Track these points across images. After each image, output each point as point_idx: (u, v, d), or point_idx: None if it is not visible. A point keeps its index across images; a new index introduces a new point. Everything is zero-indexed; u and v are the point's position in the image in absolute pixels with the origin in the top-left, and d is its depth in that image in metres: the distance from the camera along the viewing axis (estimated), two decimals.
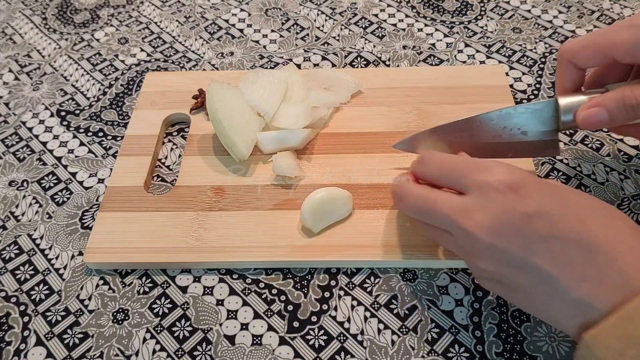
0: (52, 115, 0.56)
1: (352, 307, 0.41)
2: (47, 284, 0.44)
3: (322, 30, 0.63)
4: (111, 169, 0.51)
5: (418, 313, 0.41)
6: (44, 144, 0.54)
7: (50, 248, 0.46)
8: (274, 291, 0.42)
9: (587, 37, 0.39)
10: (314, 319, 0.41)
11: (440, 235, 0.37)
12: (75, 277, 0.44)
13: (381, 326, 0.40)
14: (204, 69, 0.59)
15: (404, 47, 0.60)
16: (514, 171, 0.34)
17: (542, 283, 0.32)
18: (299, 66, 0.59)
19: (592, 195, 0.35)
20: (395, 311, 0.41)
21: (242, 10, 0.66)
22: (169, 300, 0.42)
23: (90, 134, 0.54)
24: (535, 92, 0.55)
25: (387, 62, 0.59)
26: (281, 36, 0.63)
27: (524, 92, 0.55)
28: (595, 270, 0.30)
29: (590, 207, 0.33)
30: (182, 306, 0.42)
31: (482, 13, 0.63)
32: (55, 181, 0.50)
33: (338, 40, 0.62)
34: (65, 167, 0.52)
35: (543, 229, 0.31)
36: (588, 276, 0.30)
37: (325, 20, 0.64)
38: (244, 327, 0.41)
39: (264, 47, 0.62)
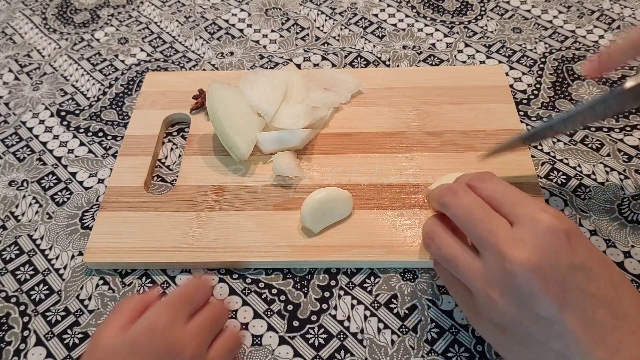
0: (52, 115, 0.56)
1: (352, 306, 0.41)
2: (47, 284, 0.44)
3: (322, 30, 0.63)
4: (111, 169, 0.51)
5: (418, 313, 0.41)
6: (44, 144, 0.54)
7: (50, 248, 0.46)
8: (274, 291, 0.42)
9: None
10: (313, 318, 0.41)
11: (460, 255, 0.34)
12: (75, 277, 0.44)
13: (381, 325, 0.40)
14: (204, 69, 0.59)
15: (404, 47, 0.60)
16: (568, 219, 0.32)
17: (560, 340, 0.30)
18: (299, 66, 0.59)
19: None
20: (395, 311, 0.41)
21: (242, 10, 0.66)
22: None
23: (90, 134, 0.54)
24: (535, 92, 0.55)
25: (387, 62, 0.59)
26: (281, 36, 0.63)
27: (524, 92, 0.55)
28: (617, 338, 0.29)
29: (623, 278, 0.32)
30: None
31: (482, 13, 0.63)
32: (55, 181, 0.51)
33: (338, 40, 0.62)
34: (65, 167, 0.52)
35: (583, 283, 0.30)
36: (608, 342, 0.29)
37: (325, 20, 0.64)
38: (244, 327, 0.41)
39: (264, 47, 0.62)
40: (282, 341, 0.40)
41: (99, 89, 0.58)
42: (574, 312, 0.30)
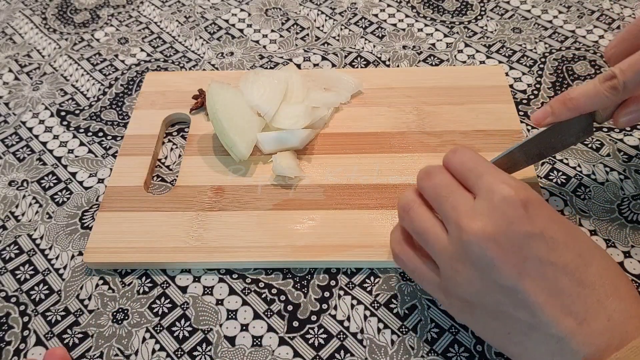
0: (52, 115, 0.56)
1: (352, 306, 0.41)
2: (47, 284, 0.44)
3: (322, 30, 0.63)
4: (111, 169, 0.51)
5: (418, 313, 0.41)
6: (44, 144, 0.54)
7: (50, 248, 0.46)
8: (274, 291, 0.42)
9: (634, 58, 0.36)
10: (313, 318, 0.41)
11: (429, 228, 0.34)
12: (75, 277, 0.44)
13: (381, 325, 0.40)
14: (204, 69, 0.59)
15: (404, 47, 0.60)
16: (528, 189, 0.32)
17: (526, 309, 0.30)
18: (299, 66, 0.59)
19: (590, 237, 0.34)
20: (395, 311, 0.41)
21: (242, 10, 0.66)
22: (168, 300, 0.42)
23: (90, 134, 0.54)
24: (535, 92, 0.55)
25: (387, 62, 0.59)
26: (281, 36, 0.63)
27: (524, 92, 0.55)
28: (583, 306, 0.29)
29: (592, 247, 0.32)
30: (182, 306, 0.42)
31: (482, 13, 0.63)
32: (55, 181, 0.51)
33: (338, 40, 0.62)
34: (65, 167, 0.52)
35: (542, 251, 0.30)
36: (574, 311, 0.29)
37: (325, 20, 0.64)
38: (244, 327, 0.41)
39: (264, 47, 0.62)
40: (282, 342, 0.40)
41: (99, 89, 0.58)
42: (535, 280, 0.30)
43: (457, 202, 0.33)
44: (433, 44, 0.60)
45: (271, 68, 0.59)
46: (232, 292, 0.43)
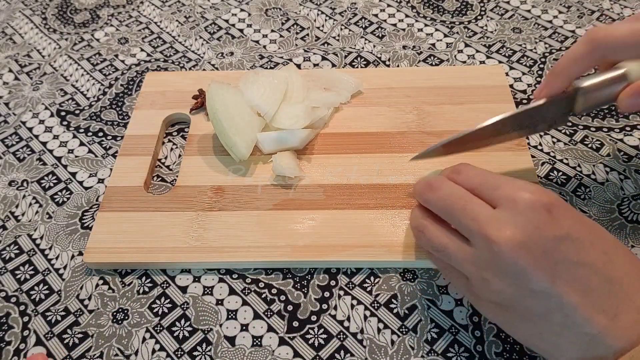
0: (52, 115, 0.56)
1: (352, 306, 0.41)
2: (47, 284, 0.44)
3: (322, 30, 0.63)
4: (111, 169, 0.51)
5: (418, 313, 0.41)
6: (44, 144, 0.54)
7: (50, 248, 0.46)
8: (274, 291, 0.42)
9: (632, 24, 0.36)
10: (313, 318, 0.41)
11: (449, 243, 0.35)
12: (75, 277, 0.44)
13: (381, 325, 0.40)
14: (204, 69, 0.59)
15: (404, 47, 0.60)
16: (548, 192, 0.33)
17: (559, 311, 0.30)
18: (299, 66, 0.59)
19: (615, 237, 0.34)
20: (395, 311, 0.41)
21: (242, 10, 0.66)
22: (168, 300, 0.42)
23: (90, 134, 0.54)
24: None
25: (387, 62, 0.59)
26: (281, 36, 0.63)
27: (524, 92, 0.55)
28: (614, 303, 0.30)
29: (615, 243, 0.32)
30: (182, 306, 0.42)
31: (482, 13, 0.63)
32: (55, 181, 0.51)
33: (338, 40, 0.62)
34: (65, 167, 0.52)
35: (571, 253, 0.30)
36: (605, 308, 0.30)
37: (325, 20, 0.64)
38: (244, 327, 0.41)
39: (264, 47, 0.62)
40: (282, 342, 0.40)
41: (99, 89, 0.58)
42: (568, 282, 0.30)
43: (477, 212, 0.33)
44: (433, 44, 0.60)
45: (271, 68, 0.59)
46: (232, 292, 0.43)
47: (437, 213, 0.36)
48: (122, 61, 0.61)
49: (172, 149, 0.52)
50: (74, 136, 0.54)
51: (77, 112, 0.56)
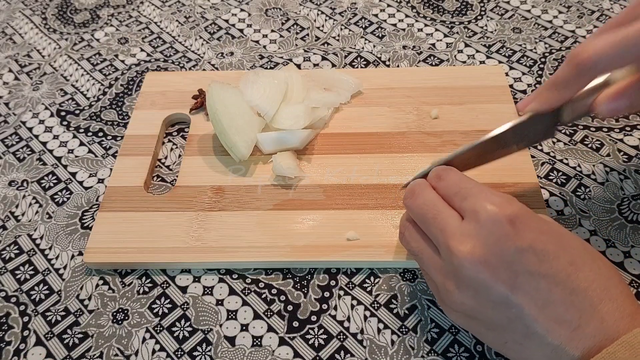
0: (52, 115, 0.56)
1: (352, 306, 0.41)
2: (47, 284, 0.44)
3: (322, 30, 0.63)
4: (111, 169, 0.51)
5: (418, 313, 0.41)
6: (44, 144, 0.54)
7: (50, 248, 0.46)
8: (274, 291, 0.42)
9: (610, 36, 0.32)
10: (313, 318, 0.41)
11: (424, 249, 0.35)
12: (75, 277, 0.44)
13: (381, 326, 0.40)
14: (204, 69, 0.59)
15: (404, 47, 0.60)
16: (514, 203, 0.32)
17: (520, 322, 0.31)
18: (299, 66, 0.59)
19: (583, 240, 0.34)
20: (395, 311, 0.41)
21: (242, 10, 0.66)
22: (168, 300, 0.42)
23: (90, 134, 0.54)
24: None
25: (387, 62, 0.59)
26: (281, 36, 0.63)
27: (524, 92, 0.55)
28: (576, 314, 0.30)
29: (582, 252, 0.32)
30: (182, 306, 0.42)
31: (482, 13, 0.63)
32: (55, 181, 0.50)
33: (338, 40, 0.62)
34: (65, 167, 0.52)
35: (532, 265, 0.31)
36: (567, 319, 0.30)
37: (325, 20, 0.64)
38: (244, 328, 0.41)
39: (264, 47, 0.62)
40: (282, 342, 0.40)
41: (99, 89, 0.58)
42: (528, 293, 0.30)
43: (445, 223, 0.33)
44: (433, 44, 0.60)
45: (271, 68, 0.59)
46: (232, 292, 0.43)
47: (414, 219, 0.37)
48: (122, 61, 0.61)
49: (172, 149, 0.52)
50: (74, 136, 0.54)
51: (77, 112, 0.56)
